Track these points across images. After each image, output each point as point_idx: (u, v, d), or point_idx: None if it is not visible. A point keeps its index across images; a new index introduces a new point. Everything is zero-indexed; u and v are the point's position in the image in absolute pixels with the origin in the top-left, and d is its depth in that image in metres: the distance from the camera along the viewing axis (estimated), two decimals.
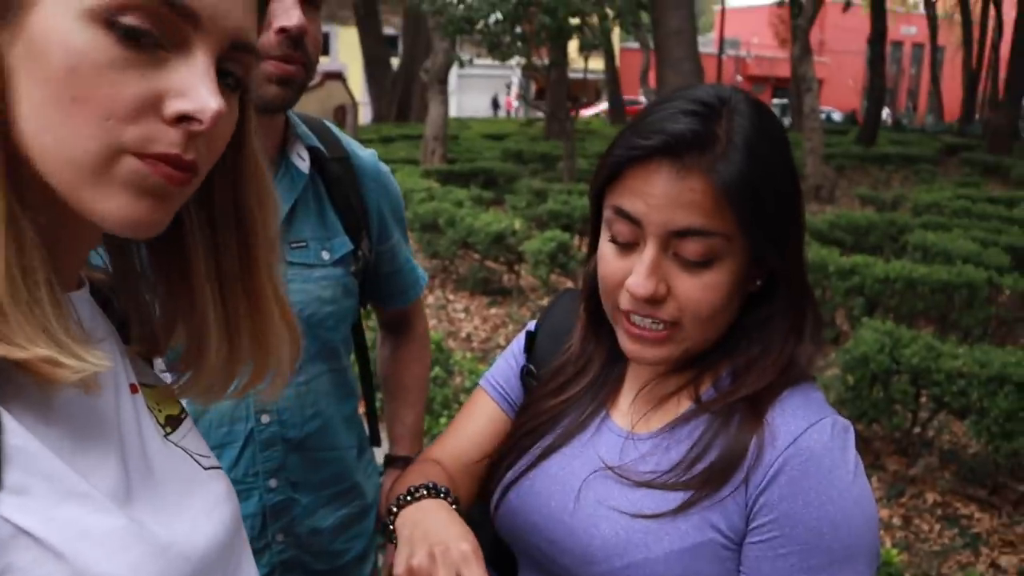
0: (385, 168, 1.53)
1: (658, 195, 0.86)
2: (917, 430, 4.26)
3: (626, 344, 0.94)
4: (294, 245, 1.33)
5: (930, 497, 3.96)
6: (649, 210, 0.87)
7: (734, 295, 0.91)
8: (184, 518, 0.64)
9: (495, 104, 41.17)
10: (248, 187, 0.70)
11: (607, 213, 0.93)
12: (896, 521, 3.73)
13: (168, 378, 0.76)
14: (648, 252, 0.88)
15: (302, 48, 1.22)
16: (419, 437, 1.59)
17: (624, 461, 0.96)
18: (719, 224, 0.86)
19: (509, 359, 1.17)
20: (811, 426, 0.86)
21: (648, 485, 0.91)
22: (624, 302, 0.91)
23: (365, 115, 23.65)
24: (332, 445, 1.43)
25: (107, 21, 0.53)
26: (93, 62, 0.53)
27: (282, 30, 1.18)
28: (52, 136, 0.54)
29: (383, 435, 1.70)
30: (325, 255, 1.36)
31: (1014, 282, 5.51)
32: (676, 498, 0.89)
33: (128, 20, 0.53)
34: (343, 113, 16.59)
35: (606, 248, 0.93)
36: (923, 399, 4.12)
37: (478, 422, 1.13)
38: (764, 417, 0.89)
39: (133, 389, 0.67)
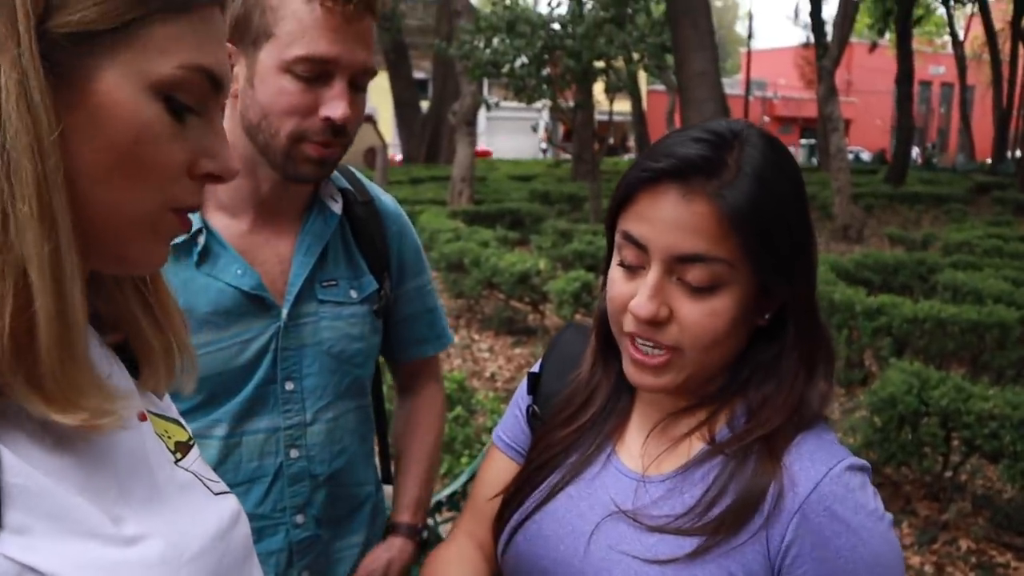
0: (405, 216, 1.57)
1: (663, 219, 0.87)
2: (948, 474, 4.16)
3: (628, 369, 0.95)
4: (325, 284, 1.37)
5: (964, 544, 3.85)
6: (655, 234, 0.88)
7: (739, 325, 0.90)
8: (193, 543, 0.65)
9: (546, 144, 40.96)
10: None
11: (617, 237, 0.94)
12: (928, 569, 3.63)
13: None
14: (652, 275, 0.88)
15: (343, 134, 1.28)
16: (423, 509, 1.56)
17: (638, 505, 0.94)
18: (723, 250, 0.86)
19: (514, 408, 1.17)
20: (830, 470, 0.86)
21: (662, 530, 0.90)
22: (628, 324, 0.92)
23: (395, 156, 23.94)
24: (356, 481, 1.45)
25: (166, 96, 0.60)
26: (154, 133, 0.59)
27: (328, 119, 1.24)
28: (111, 195, 0.59)
29: None
30: (354, 293, 1.40)
31: None
32: (691, 543, 0.88)
33: (183, 98, 0.61)
34: (373, 155, 16.83)
35: (615, 272, 0.95)
36: (954, 442, 4.02)
37: (498, 475, 1.12)
38: (781, 460, 0.88)
39: (141, 417, 0.68)
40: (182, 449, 0.73)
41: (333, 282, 1.38)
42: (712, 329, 0.88)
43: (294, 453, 1.34)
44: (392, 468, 1.66)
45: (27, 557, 0.52)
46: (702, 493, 0.90)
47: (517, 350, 6.76)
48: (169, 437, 0.73)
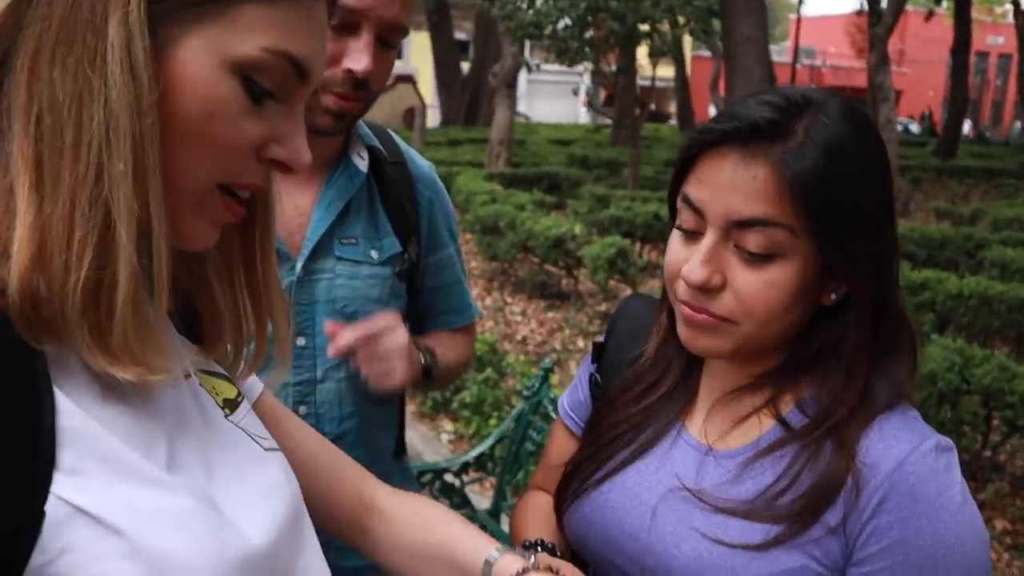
0: (440, 183, 1.53)
1: (722, 182, 0.84)
2: (987, 453, 4.07)
3: (681, 330, 0.92)
4: (344, 241, 1.34)
5: (999, 524, 3.77)
6: (713, 197, 0.85)
7: (797, 300, 0.86)
8: (242, 498, 0.65)
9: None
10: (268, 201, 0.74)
11: (678, 202, 0.91)
12: None
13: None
14: (707, 240, 0.86)
15: (365, 88, 1.25)
16: (434, 355, 1.45)
17: (702, 479, 0.93)
18: (783, 215, 0.82)
19: (578, 380, 1.16)
20: (915, 448, 0.82)
21: (730, 512, 0.88)
22: (680, 291, 0.89)
23: (434, 118, 23.88)
24: (370, 446, 1.42)
25: (245, 77, 0.59)
26: (228, 110, 0.59)
27: (349, 71, 1.22)
28: (171, 163, 0.58)
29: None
30: (374, 254, 1.37)
31: None
32: (761, 530, 0.86)
33: (262, 80, 0.60)
34: (412, 115, 16.78)
35: (673, 237, 0.92)
36: (995, 421, 3.92)
37: (564, 449, 1.12)
38: (857, 446, 0.85)
39: (186, 375, 0.69)
40: (231, 405, 0.74)
41: (352, 240, 1.35)
42: (767, 301, 0.85)
43: (302, 410, 1.32)
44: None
45: (78, 499, 0.53)
46: (773, 480, 0.88)
47: (549, 314, 6.73)
48: (218, 394, 0.73)
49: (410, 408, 4.51)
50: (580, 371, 1.17)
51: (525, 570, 0.78)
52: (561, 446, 1.14)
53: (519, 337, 6.20)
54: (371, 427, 1.42)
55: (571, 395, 1.17)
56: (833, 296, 0.88)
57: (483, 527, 2.36)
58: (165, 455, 0.61)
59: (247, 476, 0.68)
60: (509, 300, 7.14)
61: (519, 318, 6.68)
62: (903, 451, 0.83)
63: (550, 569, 0.81)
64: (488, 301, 7.04)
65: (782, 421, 0.91)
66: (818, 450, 0.86)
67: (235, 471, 0.67)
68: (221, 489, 0.64)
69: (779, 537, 0.84)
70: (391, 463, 1.48)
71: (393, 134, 1.50)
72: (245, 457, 0.70)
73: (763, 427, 0.92)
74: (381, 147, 1.42)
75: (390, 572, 0.94)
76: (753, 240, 0.83)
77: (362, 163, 1.37)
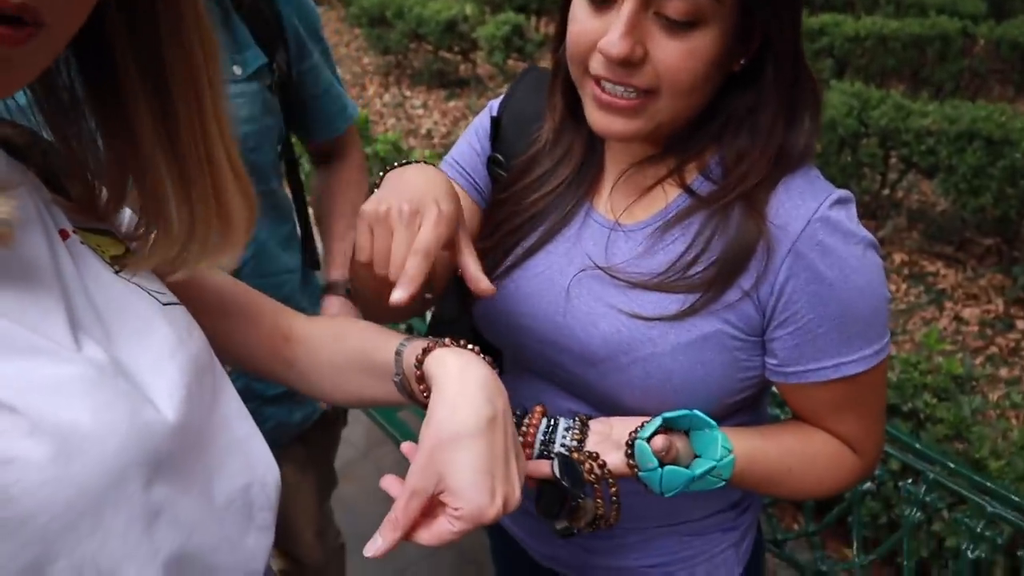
0: None
1: None
2: (886, 192, 4.23)
3: (592, 114, 0.84)
4: None
5: (897, 257, 3.99)
6: None
7: (716, 68, 0.80)
8: (146, 355, 0.61)
9: None
10: (185, 21, 0.60)
11: None
12: None
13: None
14: (627, 8, 0.76)
15: None
16: None
17: (613, 255, 0.90)
18: None
19: (473, 143, 1.06)
20: (820, 205, 0.82)
21: (644, 286, 0.86)
22: (595, 66, 0.81)
23: None
24: (271, 270, 1.35)
25: None
26: None
27: None
28: None
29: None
30: (237, 70, 1.22)
31: (989, 31, 5.31)
32: (677, 300, 0.85)
33: None
34: None
35: (578, 6, 0.82)
36: (892, 160, 4.05)
37: None
38: (765, 209, 0.83)
39: (63, 234, 0.62)
40: (119, 262, 0.67)
41: None
42: (691, 70, 0.78)
43: None
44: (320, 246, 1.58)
45: None
46: (684, 249, 0.86)
47: (452, 103, 6.52)
48: (104, 251, 0.66)
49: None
50: (469, 134, 1.07)
51: (438, 344, 0.74)
52: None
53: (423, 131, 6.03)
54: (270, 250, 1.35)
55: (461, 153, 1.07)
56: (742, 62, 0.83)
57: (411, 328, 2.37)
58: (65, 323, 0.56)
59: (148, 333, 0.63)
60: (408, 94, 6.87)
61: (420, 111, 6.47)
62: (809, 209, 0.82)
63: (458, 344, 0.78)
64: (386, 98, 6.76)
65: (688, 189, 0.88)
66: (727, 215, 0.85)
67: (134, 329, 0.62)
68: (123, 349, 0.59)
69: (694, 306, 0.84)
70: (299, 286, 1.43)
71: None
72: (143, 313, 0.64)
73: (668, 197, 0.89)
74: None
75: (319, 398, 0.92)
76: (675, 7, 0.76)
77: None
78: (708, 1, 0.75)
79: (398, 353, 0.78)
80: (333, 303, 1.39)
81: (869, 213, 4.23)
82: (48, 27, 0.48)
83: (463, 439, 0.65)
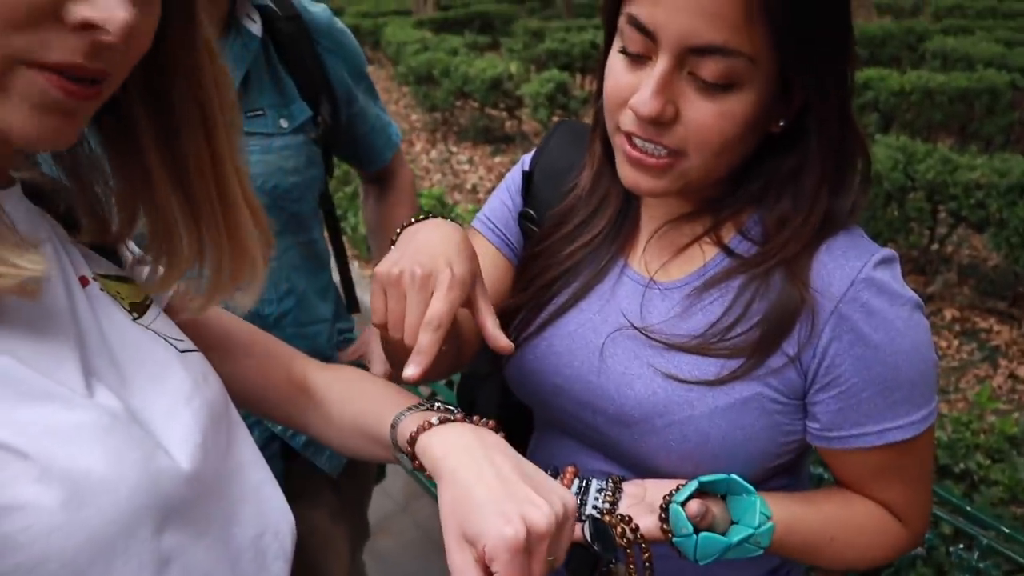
0: (340, 24, 1.41)
1: (679, 1, 0.72)
2: (935, 247, 4.15)
3: (623, 169, 0.83)
4: (251, 114, 1.24)
5: (948, 313, 3.90)
6: (667, 18, 0.73)
7: (751, 130, 0.78)
8: (161, 401, 0.62)
9: None
10: (202, 70, 0.64)
11: (621, 22, 0.79)
12: None
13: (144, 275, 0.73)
14: (660, 67, 0.74)
15: None
16: None
17: (648, 314, 0.88)
18: (746, 42, 0.72)
19: (504, 199, 1.04)
20: (864, 265, 0.79)
21: (682, 348, 0.84)
22: (626, 121, 0.79)
23: None
24: (309, 319, 1.38)
25: None
26: None
27: None
28: None
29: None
30: (284, 123, 1.27)
31: None
32: (717, 364, 0.82)
33: None
34: None
35: (614, 60, 0.80)
36: (941, 214, 3.98)
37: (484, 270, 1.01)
38: (810, 273, 0.81)
39: (83, 281, 0.64)
40: (138, 309, 0.68)
41: (259, 112, 1.25)
42: (721, 132, 0.76)
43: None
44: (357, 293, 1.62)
45: None
46: (722, 311, 0.83)
47: (497, 159, 6.61)
48: (123, 298, 0.68)
49: (361, 266, 4.46)
50: (501, 191, 1.06)
51: (423, 428, 0.72)
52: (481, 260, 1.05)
53: (468, 186, 6.11)
54: (309, 300, 1.38)
55: (493, 209, 1.05)
56: (782, 123, 0.80)
57: (434, 394, 2.36)
58: (79, 369, 0.57)
59: (164, 379, 0.64)
60: (454, 150, 6.98)
61: (466, 167, 6.56)
62: (853, 269, 0.79)
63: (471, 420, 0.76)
64: (433, 154, 6.88)
65: (726, 249, 0.86)
66: (767, 279, 0.82)
67: (151, 375, 0.63)
68: (138, 395, 0.60)
69: (735, 372, 0.81)
70: (329, 333, 1.45)
71: None
72: (160, 359, 0.65)
73: (706, 256, 0.87)
74: (271, 4, 1.28)
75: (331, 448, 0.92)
76: (710, 68, 0.73)
77: (254, 26, 1.25)
78: (744, 64, 0.73)
79: (393, 426, 0.76)
80: (368, 333, 1.45)
81: (918, 268, 4.15)
82: (110, 85, 0.55)
83: (461, 497, 0.63)
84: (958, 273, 4.14)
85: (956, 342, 3.72)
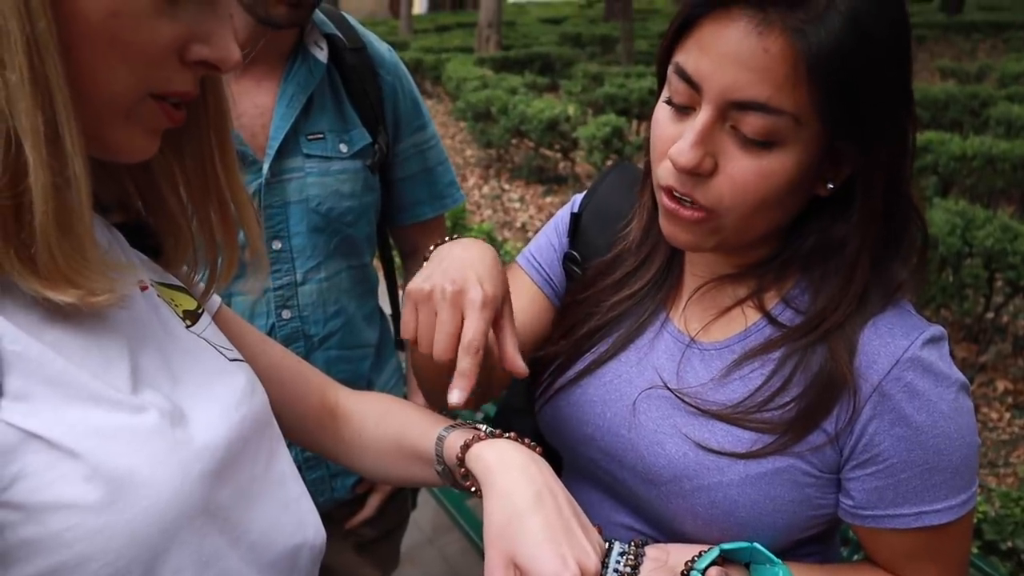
0: (402, 66, 1.45)
1: (725, 53, 0.71)
2: (990, 315, 4.05)
3: (662, 221, 0.83)
4: (311, 137, 1.28)
5: (1001, 385, 3.79)
6: (712, 70, 0.72)
7: (792, 192, 0.76)
8: (208, 409, 0.63)
9: None
10: (216, 105, 0.70)
11: (669, 71, 0.78)
12: None
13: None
14: (700, 118, 0.73)
15: None
16: None
17: (685, 373, 0.87)
18: (790, 101, 0.70)
19: (552, 238, 1.04)
20: (911, 344, 0.77)
21: (716, 416, 0.83)
22: (664, 175, 0.78)
23: (421, 3, 23.07)
24: (355, 343, 1.40)
25: None
26: (134, 9, 0.53)
27: None
28: (91, 71, 0.54)
29: None
30: (343, 147, 1.31)
31: None
32: (750, 438, 0.81)
33: None
34: (398, 2, 16.19)
35: (660, 110, 0.80)
36: (997, 283, 3.89)
37: (519, 302, 0.99)
38: (854, 349, 0.79)
39: (142, 287, 0.67)
40: (191, 317, 0.72)
41: (320, 135, 1.28)
42: (758, 190, 0.74)
43: (286, 314, 1.29)
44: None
45: (29, 423, 0.51)
46: (761, 383, 0.82)
47: (548, 199, 6.64)
48: (177, 305, 0.71)
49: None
50: (550, 230, 1.06)
51: (476, 438, 0.74)
52: (521, 297, 1.02)
53: (518, 224, 6.14)
54: (356, 324, 1.40)
55: (539, 248, 1.05)
56: (830, 186, 0.78)
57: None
58: (128, 372, 0.58)
59: (213, 386, 0.66)
60: (506, 187, 7.04)
61: (517, 204, 6.60)
62: (900, 348, 0.77)
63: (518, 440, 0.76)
64: (485, 189, 6.94)
65: (768, 316, 0.85)
66: (809, 353, 0.80)
67: (200, 382, 0.65)
68: (187, 400, 0.62)
69: (768, 447, 0.80)
70: (373, 359, 1.46)
71: (351, 19, 1.41)
72: (210, 368, 0.67)
73: (748, 320, 0.86)
74: (339, 34, 1.33)
75: (363, 475, 0.92)
76: (752, 124, 0.72)
77: (321, 53, 1.29)
78: (787, 123, 0.71)
79: (439, 440, 0.78)
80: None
81: (971, 337, 4.05)
82: None
83: (515, 520, 0.65)
84: (1013, 344, 4.03)
85: (1008, 415, 3.61)
